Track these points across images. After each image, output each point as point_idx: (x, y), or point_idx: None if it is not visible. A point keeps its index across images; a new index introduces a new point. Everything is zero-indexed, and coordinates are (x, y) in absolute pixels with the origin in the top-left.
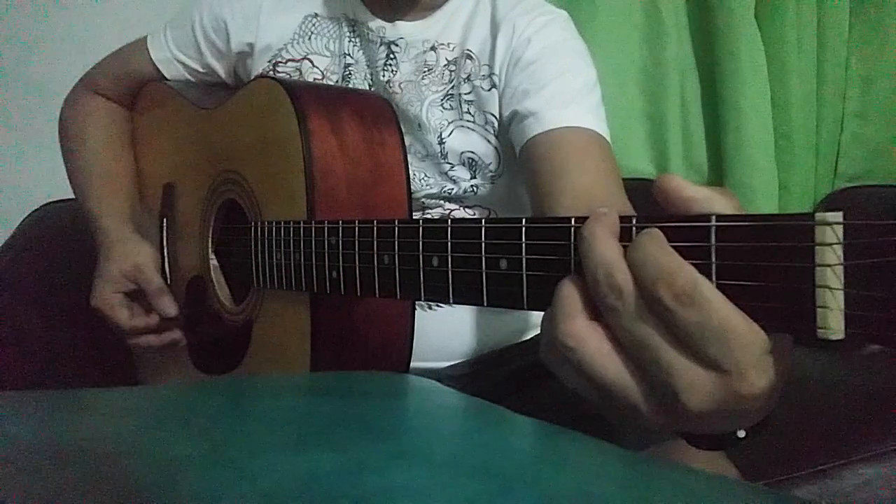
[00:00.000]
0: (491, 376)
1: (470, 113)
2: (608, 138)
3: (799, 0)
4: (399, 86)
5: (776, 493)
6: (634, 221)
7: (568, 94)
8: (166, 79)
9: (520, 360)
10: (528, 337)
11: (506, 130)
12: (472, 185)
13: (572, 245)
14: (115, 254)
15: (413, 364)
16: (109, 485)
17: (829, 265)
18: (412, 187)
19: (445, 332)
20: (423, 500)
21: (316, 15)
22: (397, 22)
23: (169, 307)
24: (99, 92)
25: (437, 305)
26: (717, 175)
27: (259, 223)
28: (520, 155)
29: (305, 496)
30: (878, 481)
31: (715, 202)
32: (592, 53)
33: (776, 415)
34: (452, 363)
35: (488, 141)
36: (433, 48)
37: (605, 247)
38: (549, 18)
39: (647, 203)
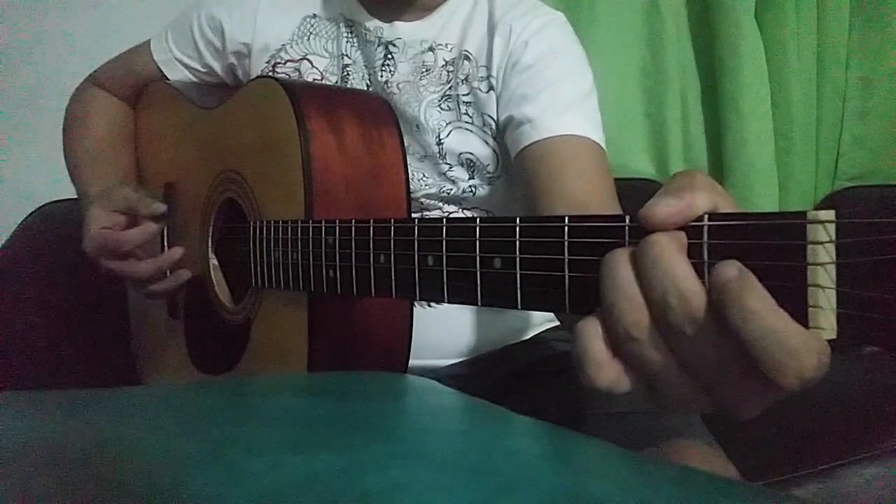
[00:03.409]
0: (491, 376)
1: (468, 115)
2: (603, 144)
3: (799, 0)
4: (397, 86)
5: (776, 493)
6: (628, 220)
7: (564, 100)
8: (168, 79)
9: (520, 360)
10: (529, 336)
11: (502, 134)
12: (470, 186)
13: (566, 244)
14: (96, 202)
15: (412, 362)
16: (110, 485)
17: (821, 264)
18: (411, 187)
19: (444, 329)
20: (423, 500)
21: (314, 16)
22: (395, 22)
23: (155, 205)
24: (104, 88)
25: (437, 303)
26: (718, 175)
27: (257, 223)
28: (515, 161)
29: (305, 496)
30: (878, 481)
31: (702, 202)
32: (592, 54)
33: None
34: (452, 362)
35: (486, 143)
36: (431, 48)
37: (678, 266)
38: (546, 20)
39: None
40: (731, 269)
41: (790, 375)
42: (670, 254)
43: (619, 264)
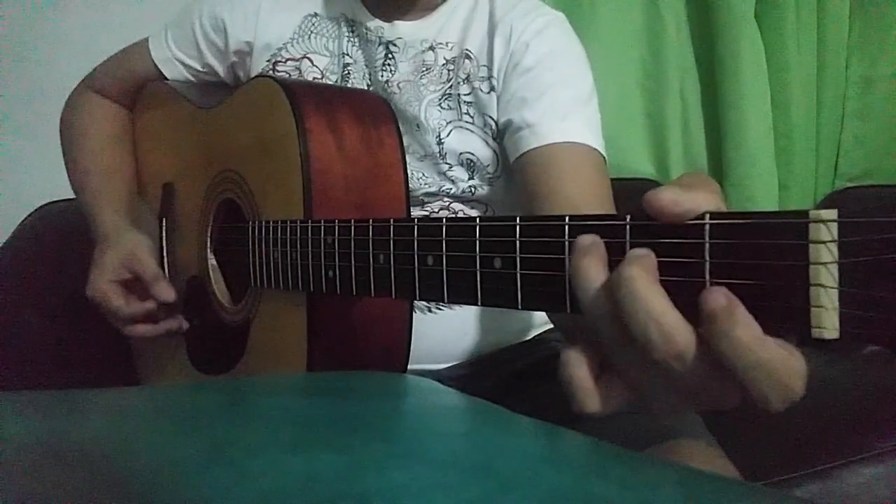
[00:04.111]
0: (491, 376)
1: (469, 114)
2: (602, 150)
3: (799, 0)
4: (397, 85)
5: (776, 493)
6: (628, 219)
7: (564, 105)
8: (167, 79)
9: (520, 361)
10: (529, 337)
11: (502, 136)
12: (470, 186)
13: (566, 244)
14: (110, 243)
15: (413, 366)
16: (109, 485)
17: (823, 263)
18: (410, 187)
19: (446, 334)
20: (423, 500)
21: (315, 14)
22: (396, 22)
23: (166, 292)
24: (100, 92)
25: (438, 308)
26: (718, 175)
27: (256, 222)
28: (514, 165)
29: (305, 496)
30: (878, 481)
31: (705, 201)
32: (592, 53)
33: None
34: (452, 364)
35: (487, 143)
36: (431, 48)
37: (654, 300)
38: (547, 21)
39: None
40: (720, 298)
41: (777, 402)
42: (646, 289)
43: (593, 277)
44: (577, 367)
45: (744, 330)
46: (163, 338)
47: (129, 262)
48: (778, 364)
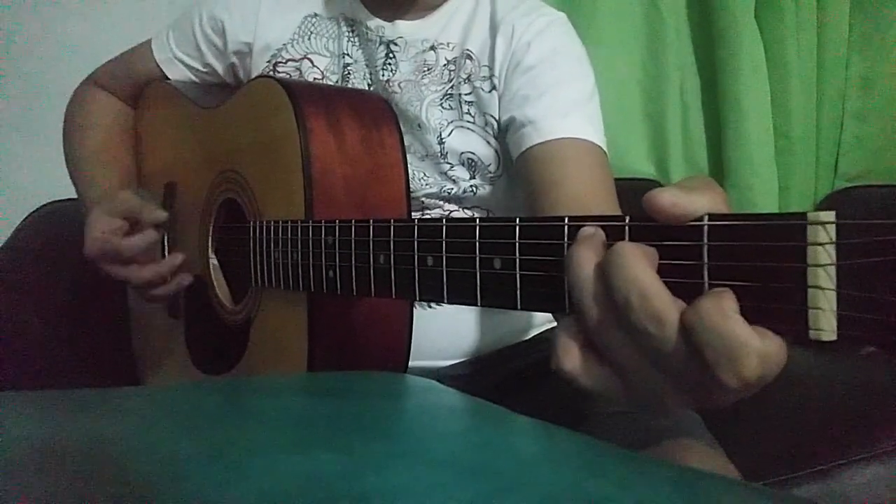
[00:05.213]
0: (491, 376)
1: (470, 114)
2: (604, 147)
3: (799, 0)
4: (398, 85)
5: (776, 493)
6: (628, 220)
7: (566, 103)
8: (169, 79)
9: (520, 360)
10: (530, 336)
11: (504, 134)
12: (471, 186)
13: (566, 245)
14: (97, 207)
15: (413, 363)
16: (110, 485)
17: (821, 265)
18: (412, 187)
19: (446, 331)
20: (423, 500)
21: (315, 15)
22: (396, 21)
23: (156, 213)
24: (104, 88)
25: (437, 304)
26: (718, 175)
27: (257, 222)
28: (517, 162)
29: (305, 496)
30: (878, 481)
31: (705, 203)
32: (592, 54)
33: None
34: (452, 362)
35: (488, 142)
36: (433, 48)
37: (639, 266)
38: (548, 20)
39: None
40: None
41: (728, 376)
42: (633, 256)
43: (584, 264)
44: (564, 329)
45: (708, 297)
46: (171, 278)
47: (112, 208)
48: (735, 337)
